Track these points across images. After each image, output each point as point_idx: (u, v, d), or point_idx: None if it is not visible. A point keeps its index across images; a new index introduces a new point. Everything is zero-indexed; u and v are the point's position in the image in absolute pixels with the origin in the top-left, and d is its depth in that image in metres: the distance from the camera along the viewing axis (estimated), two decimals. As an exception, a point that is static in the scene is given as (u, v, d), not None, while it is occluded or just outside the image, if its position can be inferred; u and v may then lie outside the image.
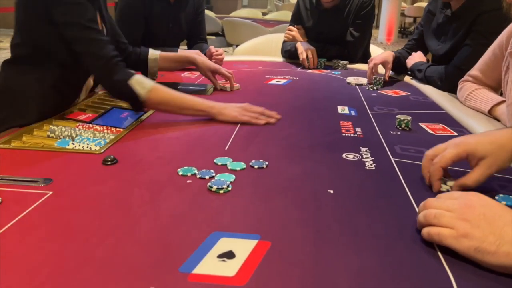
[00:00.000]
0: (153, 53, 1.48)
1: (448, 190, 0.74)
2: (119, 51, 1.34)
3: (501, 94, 1.27)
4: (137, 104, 1.07)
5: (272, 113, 1.14)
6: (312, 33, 2.08)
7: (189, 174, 0.78)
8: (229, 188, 0.73)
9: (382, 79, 1.60)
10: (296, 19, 2.14)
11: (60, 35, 1.03)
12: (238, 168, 0.81)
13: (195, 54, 1.52)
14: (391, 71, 1.72)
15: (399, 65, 1.76)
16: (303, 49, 1.93)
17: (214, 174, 0.78)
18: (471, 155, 0.71)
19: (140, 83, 1.05)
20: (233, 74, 1.48)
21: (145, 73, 1.48)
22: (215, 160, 0.84)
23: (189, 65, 1.54)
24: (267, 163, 0.83)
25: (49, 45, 1.06)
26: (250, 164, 0.83)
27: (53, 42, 1.05)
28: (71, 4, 1.01)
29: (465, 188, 0.71)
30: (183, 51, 1.54)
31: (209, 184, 0.73)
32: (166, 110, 1.10)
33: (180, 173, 0.78)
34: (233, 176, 0.77)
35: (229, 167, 0.81)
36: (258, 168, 0.82)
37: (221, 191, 0.72)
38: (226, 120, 1.08)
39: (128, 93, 1.05)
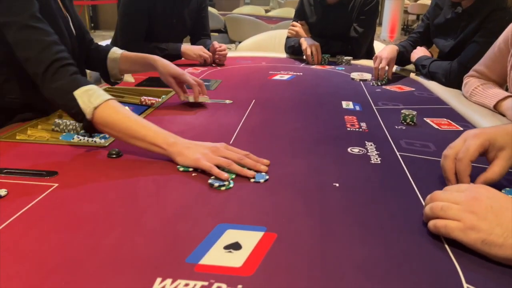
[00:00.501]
0: (114, 52, 1.24)
1: None
2: (82, 45, 1.18)
3: (506, 89, 1.27)
4: (84, 122, 0.84)
5: (261, 159, 0.81)
6: (315, 28, 2.07)
7: (191, 169, 0.77)
8: (231, 185, 0.71)
9: (386, 74, 1.59)
10: (300, 15, 2.14)
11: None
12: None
13: (157, 57, 1.22)
14: (394, 66, 1.71)
15: (402, 59, 1.74)
16: (307, 45, 1.93)
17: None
18: (492, 145, 0.68)
19: (89, 95, 0.83)
20: (202, 85, 1.20)
21: (106, 74, 1.27)
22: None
23: (151, 68, 1.23)
24: (267, 177, 0.75)
25: (8, 53, 0.90)
26: (253, 180, 0.74)
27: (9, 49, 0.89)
28: (10, 0, 0.87)
29: (488, 183, 0.67)
30: (145, 55, 1.24)
31: (209, 181, 0.72)
32: (114, 136, 0.86)
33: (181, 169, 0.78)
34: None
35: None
36: (264, 181, 0.74)
37: (223, 188, 0.70)
38: (184, 164, 0.78)
39: (69, 107, 0.84)
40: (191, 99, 1.18)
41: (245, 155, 0.79)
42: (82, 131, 0.95)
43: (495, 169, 0.68)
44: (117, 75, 1.27)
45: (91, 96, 0.83)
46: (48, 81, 0.86)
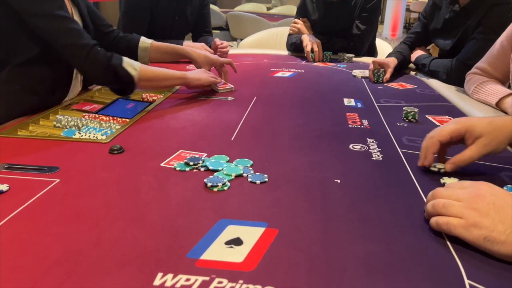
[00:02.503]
0: (144, 41, 1.39)
1: (439, 170, 0.76)
2: (101, 35, 1.27)
3: (509, 87, 1.26)
4: (130, 87, 1.08)
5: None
6: (318, 26, 2.07)
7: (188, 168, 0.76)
8: (225, 188, 0.69)
9: (382, 71, 1.58)
10: (302, 12, 2.13)
11: (23, 28, 0.97)
12: (244, 165, 0.78)
13: (189, 48, 1.44)
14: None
15: (402, 64, 1.72)
16: (308, 42, 1.93)
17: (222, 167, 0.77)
18: (469, 133, 0.72)
19: (131, 65, 1.06)
20: (232, 62, 1.43)
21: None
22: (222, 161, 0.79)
23: (181, 58, 1.47)
24: (266, 179, 0.73)
25: (10, 39, 0.99)
26: (250, 180, 0.72)
27: (15, 35, 0.98)
28: None
29: (459, 166, 0.73)
30: (176, 45, 1.46)
31: (205, 180, 0.70)
32: (152, 86, 1.15)
33: (190, 163, 0.77)
34: (240, 168, 0.76)
35: (234, 164, 0.78)
36: (261, 183, 0.72)
37: (215, 189, 0.69)
38: (201, 84, 1.23)
39: (123, 77, 1.05)
40: (220, 90, 1.32)
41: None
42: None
43: (466, 153, 0.72)
44: (146, 63, 1.37)
45: (132, 65, 1.07)
46: (96, 61, 1.02)
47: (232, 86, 1.35)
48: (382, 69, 1.59)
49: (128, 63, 1.06)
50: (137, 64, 1.08)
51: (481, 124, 0.72)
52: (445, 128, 0.74)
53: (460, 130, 0.73)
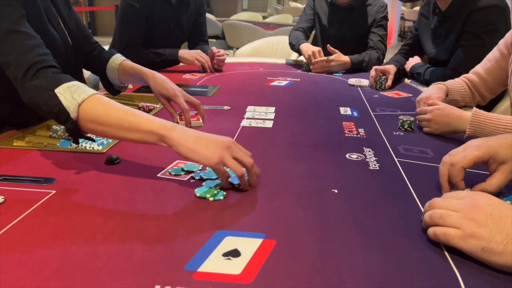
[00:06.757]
0: (113, 61, 1.16)
1: None
2: (79, 53, 1.12)
3: (503, 94, 1.27)
4: (68, 123, 0.75)
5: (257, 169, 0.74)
6: (324, 33, 2.09)
7: (192, 170, 0.78)
8: (219, 197, 0.69)
9: (384, 78, 1.59)
10: (308, 20, 2.14)
11: None
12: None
13: (151, 73, 1.11)
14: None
15: (399, 74, 1.75)
16: (309, 49, 1.92)
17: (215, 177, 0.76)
18: (492, 158, 0.68)
19: (71, 92, 0.75)
20: (199, 106, 1.08)
21: (108, 83, 1.20)
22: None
23: (142, 83, 1.15)
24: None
25: None
26: (230, 180, 0.72)
27: None
28: None
29: None
30: (141, 69, 1.14)
31: (195, 190, 0.70)
32: (102, 133, 0.77)
33: (185, 169, 0.78)
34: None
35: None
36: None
37: (211, 198, 0.68)
38: (194, 159, 0.70)
39: (51, 106, 0.75)
40: (181, 124, 1.03)
41: (250, 157, 0.73)
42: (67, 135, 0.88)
43: (493, 182, 0.68)
44: (119, 84, 1.20)
45: (74, 92, 0.75)
46: (26, 82, 0.78)
47: (201, 121, 1.09)
48: (384, 76, 1.60)
49: (68, 89, 0.75)
50: (85, 94, 0.75)
51: (505, 148, 0.68)
52: (467, 155, 0.69)
53: (483, 157, 0.68)
